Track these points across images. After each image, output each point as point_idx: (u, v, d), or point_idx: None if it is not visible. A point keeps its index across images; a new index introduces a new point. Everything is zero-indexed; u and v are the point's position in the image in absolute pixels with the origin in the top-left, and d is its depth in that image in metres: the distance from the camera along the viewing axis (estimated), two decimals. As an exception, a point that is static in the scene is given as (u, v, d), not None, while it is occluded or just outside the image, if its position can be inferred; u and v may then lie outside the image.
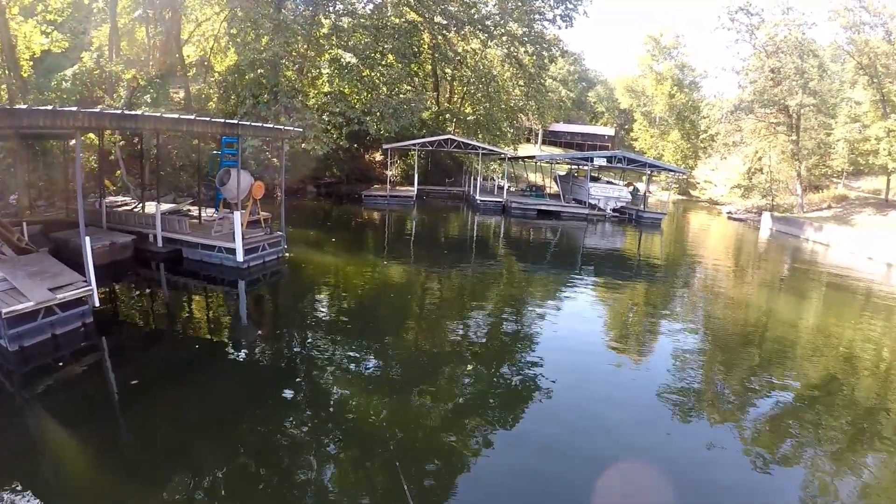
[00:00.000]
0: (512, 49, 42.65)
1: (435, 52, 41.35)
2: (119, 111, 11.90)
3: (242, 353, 9.75)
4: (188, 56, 31.13)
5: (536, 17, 41.18)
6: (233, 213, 14.42)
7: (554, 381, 8.34)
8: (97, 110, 11.63)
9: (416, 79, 40.38)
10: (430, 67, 43.76)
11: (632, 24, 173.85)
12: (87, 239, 10.19)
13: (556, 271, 18.01)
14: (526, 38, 41.06)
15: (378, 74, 34.59)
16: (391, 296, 14.06)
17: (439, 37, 40.29)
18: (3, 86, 21.62)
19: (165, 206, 19.01)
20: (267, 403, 7.68)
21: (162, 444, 6.45)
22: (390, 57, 35.36)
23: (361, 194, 33.62)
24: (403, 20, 37.44)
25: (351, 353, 9.66)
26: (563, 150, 70.94)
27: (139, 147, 20.59)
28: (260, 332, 10.96)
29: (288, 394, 8.06)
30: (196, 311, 12.39)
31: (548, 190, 41.67)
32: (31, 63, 23.03)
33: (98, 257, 14.21)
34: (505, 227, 27.75)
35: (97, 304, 10.16)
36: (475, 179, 36.03)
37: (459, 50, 43.36)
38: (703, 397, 8.51)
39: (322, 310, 12.55)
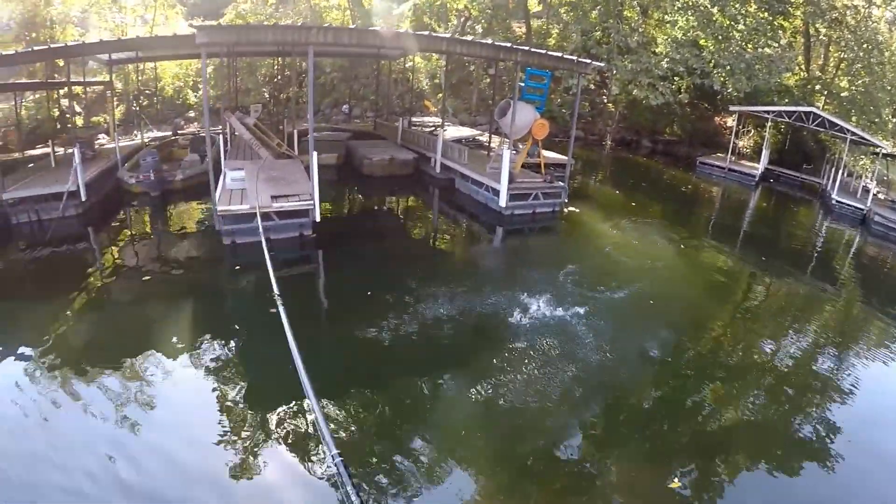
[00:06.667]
0: (905, 8, 30.97)
1: (807, 4, 32.32)
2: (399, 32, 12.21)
3: (458, 298, 9.00)
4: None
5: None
6: (503, 151, 12.25)
7: (849, 441, 6.73)
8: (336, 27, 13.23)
9: (781, 34, 32.17)
10: (800, 23, 34.57)
11: None
12: (315, 154, 9.81)
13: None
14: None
15: (732, 21, 28.13)
16: (682, 287, 11.69)
17: (811, -17, 31.29)
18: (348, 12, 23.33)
19: (461, 132, 18.12)
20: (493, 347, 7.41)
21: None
22: (752, 5, 28.50)
23: (697, 160, 28.04)
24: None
25: (598, 331, 8.69)
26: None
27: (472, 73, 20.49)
28: (485, 282, 9.84)
29: (519, 345, 7.73)
30: (432, 244, 11.62)
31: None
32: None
33: (377, 169, 14.70)
34: (859, 244, 19.01)
35: (317, 218, 10.05)
36: (837, 173, 26.62)
37: (838, 4, 33.17)
38: None
39: (575, 279, 10.53)
